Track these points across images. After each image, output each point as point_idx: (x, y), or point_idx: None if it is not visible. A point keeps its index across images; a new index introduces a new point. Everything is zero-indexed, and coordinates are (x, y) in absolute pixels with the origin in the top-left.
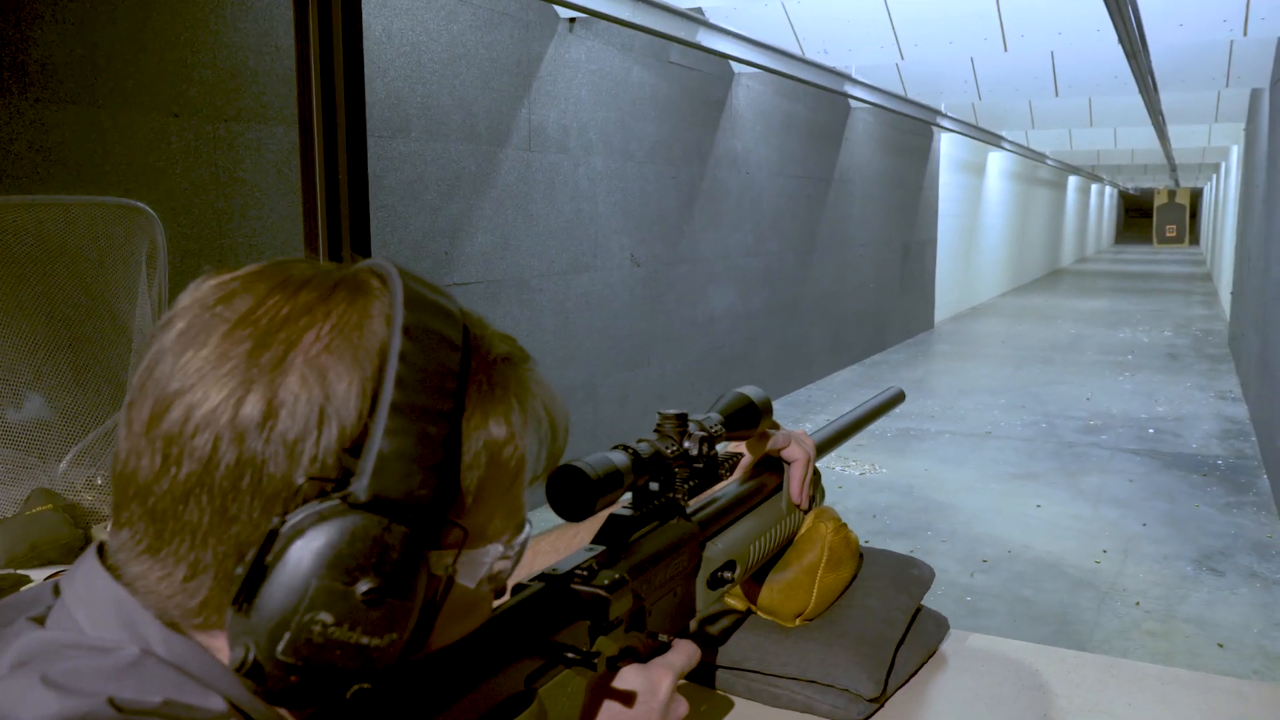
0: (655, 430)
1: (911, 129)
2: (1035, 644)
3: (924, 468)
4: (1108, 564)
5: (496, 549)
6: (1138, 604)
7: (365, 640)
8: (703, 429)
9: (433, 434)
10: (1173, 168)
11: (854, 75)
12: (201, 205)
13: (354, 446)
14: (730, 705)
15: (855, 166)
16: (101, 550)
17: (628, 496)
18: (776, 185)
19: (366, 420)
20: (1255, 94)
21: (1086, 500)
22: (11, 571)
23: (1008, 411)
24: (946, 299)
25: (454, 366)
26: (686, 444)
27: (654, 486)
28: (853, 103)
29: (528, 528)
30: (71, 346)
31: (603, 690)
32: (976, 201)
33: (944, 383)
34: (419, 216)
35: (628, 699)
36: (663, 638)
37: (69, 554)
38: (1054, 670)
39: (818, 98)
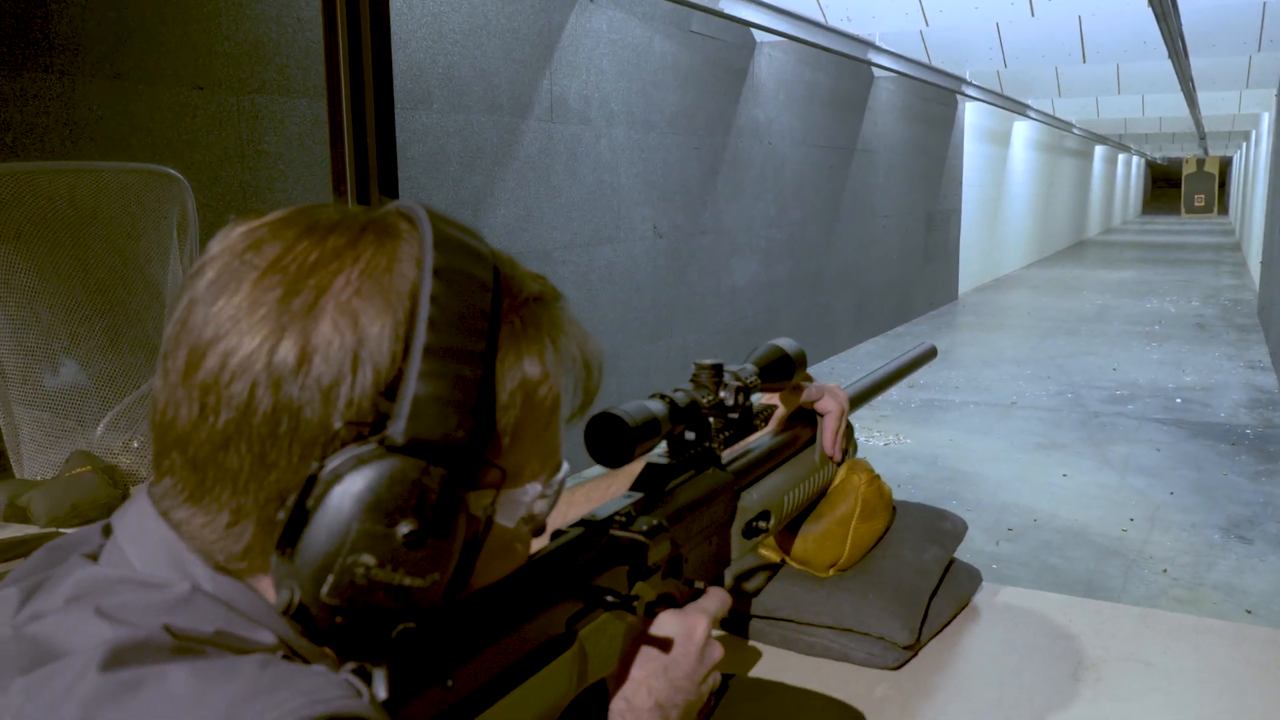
0: (691, 380)
1: (936, 97)
2: (1069, 596)
3: (949, 438)
4: (1135, 532)
5: (534, 488)
6: (1165, 571)
7: (407, 581)
8: (738, 379)
9: (467, 376)
10: (1201, 136)
11: (877, 43)
12: (227, 178)
13: (389, 390)
14: (760, 656)
15: (879, 136)
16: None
17: (663, 446)
18: (799, 155)
19: (400, 363)
20: None
21: (1113, 469)
22: (54, 530)
23: (1033, 382)
24: (971, 270)
25: (486, 307)
26: (722, 394)
27: (690, 436)
28: (876, 71)
29: (565, 467)
30: (106, 311)
31: (640, 636)
32: (1001, 171)
33: (968, 354)
34: (441, 188)
35: (665, 644)
36: (699, 585)
37: (109, 513)
38: (1087, 621)
39: (841, 66)
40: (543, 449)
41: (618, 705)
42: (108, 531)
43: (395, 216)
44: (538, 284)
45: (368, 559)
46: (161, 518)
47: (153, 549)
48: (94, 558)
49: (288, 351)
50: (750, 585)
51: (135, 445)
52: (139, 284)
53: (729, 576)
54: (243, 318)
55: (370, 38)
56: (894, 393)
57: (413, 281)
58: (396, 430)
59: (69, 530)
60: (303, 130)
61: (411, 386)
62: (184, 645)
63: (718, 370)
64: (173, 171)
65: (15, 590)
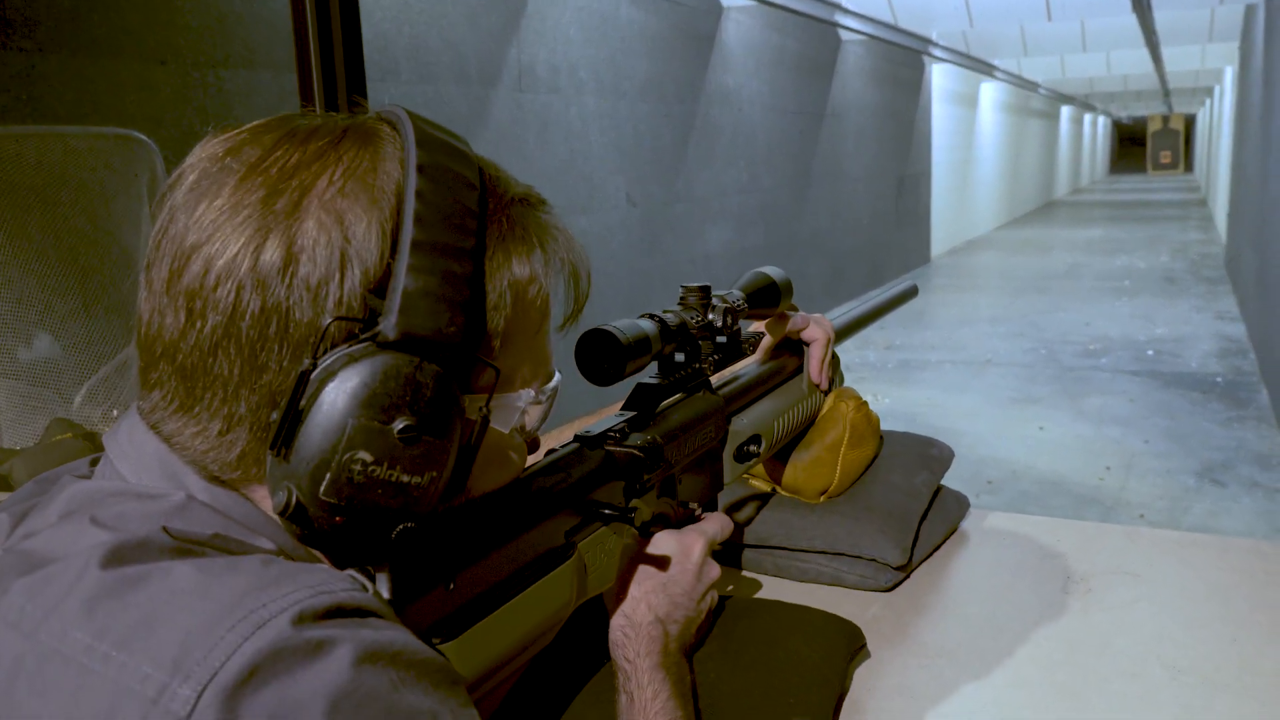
0: (679, 302)
1: (903, 60)
2: (1055, 518)
3: (926, 396)
4: (1111, 480)
5: (527, 394)
6: (1142, 516)
7: (405, 478)
8: (725, 302)
9: (457, 271)
10: (1166, 92)
11: (843, 4)
12: None
13: (378, 288)
14: (758, 586)
15: (847, 100)
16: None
17: (653, 367)
18: (769, 121)
19: (389, 260)
20: (1250, 10)
21: (1088, 421)
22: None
23: (1007, 339)
24: (942, 233)
25: (472, 205)
26: (710, 316)
27: (679, 358)
28: (843, 34)
29: (557, 376)
30: (79, 278)
31: (638, 554)
32: (970, 134)
33: (943, 314)
34: None
35: (662, 562)
36: (693, 507)
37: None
38: (1074, 540)
39: (808, 30)
40: (534, 354)
41: (618, 622)
42: (95, 463)
43: (376, 121)
44: (522, 187)
45: (365, 455)
46: (151, 431)
47: (145, 462)
48: (85, 479)
49: (273, 252)
50: (741, 515)
51: (115, 414)
52: (112, 250)
53: (720, 504)
54: (225, 221)
55: (339, 8)
56: (871, 353)
57: (397, 180)
58: (388, 326)
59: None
60: (269, 104)
61: (401, 282)
62: (184, 546)
63: (705, 292)
64: (141, 135)
65: (5, 516)
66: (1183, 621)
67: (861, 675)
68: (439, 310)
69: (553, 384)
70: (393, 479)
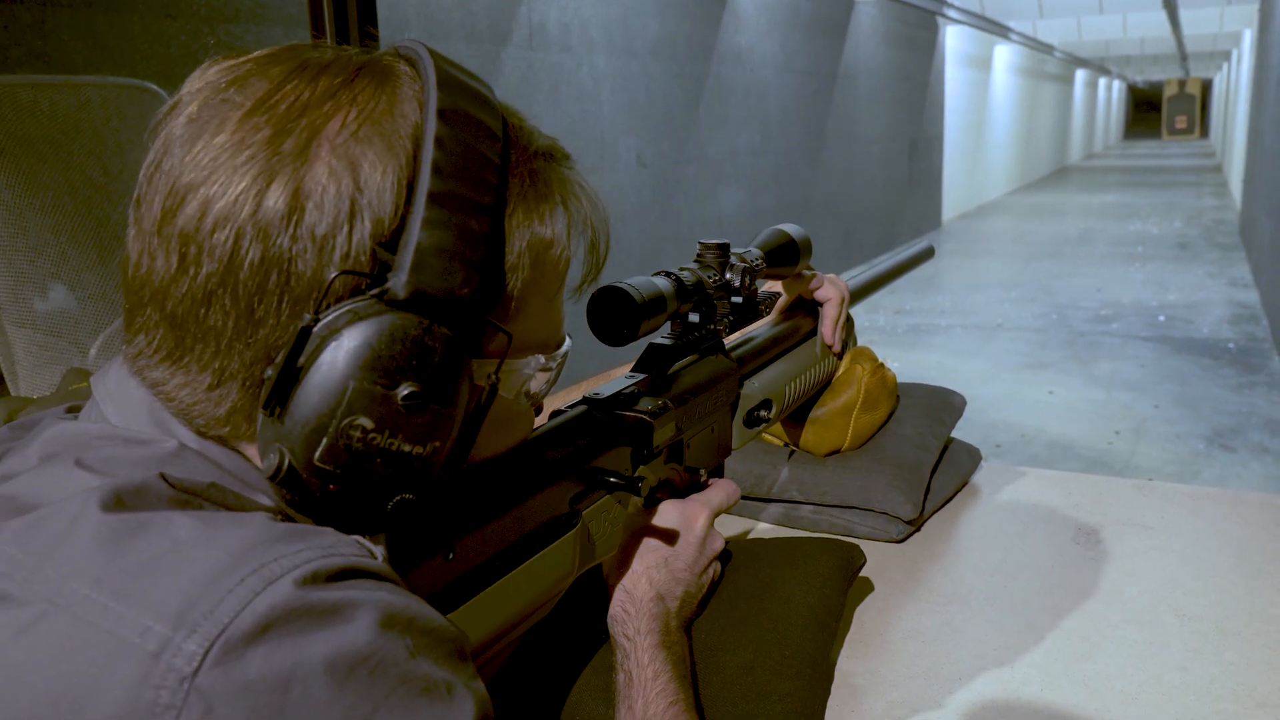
0: (696, 260)
1: (916, 21)
2: (1065, 471)
3: (936, 360)
4: (1121, 444)
5: (538, 360)
6: (1151, 480)
7: (406, 448)
8: (744, 261)
9: (474, 229)
10: (1183, 56)
11: None
12: None
13: (390, 241)
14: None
15: (860, 61)
16: None
17: (667, 326)
18: (782, 82)
19: (403, 212)
20: None
21: (1099, 386)
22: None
23: (1019, 304)
24: (954, 197)
25: (494, 157)
26: (728, 275)
27: (694, 318)
28: None
29: (568, 342)
30: (94, 228)
31: (641, 525)
32: (983, 97)
33: (954, 279)
34: None
35: (666, 535)
36: (701, 473)
37: None
38: (1085, 493)
39: None
40: (548, 318)
41: (618, 596)
42: (76, 411)
43: (393, 58)
44: (547, 140)
45: (365, 422)
46: (135, 378)
47: (134, 408)
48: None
49: (277, 197)
50: (753, 469)
51: None
52: (126, 199)
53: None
54: (226, 160)
55: None
56: (881, 317)
57: (415, 123)
58: (398, 283)
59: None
60: None
61: (414, 236)
62: (183, 498)
63: (723, 250)
64: (154, 86)
65: None
66: (1194, 571)
67: (872, 619)
68: (453, 269)
69: (563, 350)
70: (393, 448)
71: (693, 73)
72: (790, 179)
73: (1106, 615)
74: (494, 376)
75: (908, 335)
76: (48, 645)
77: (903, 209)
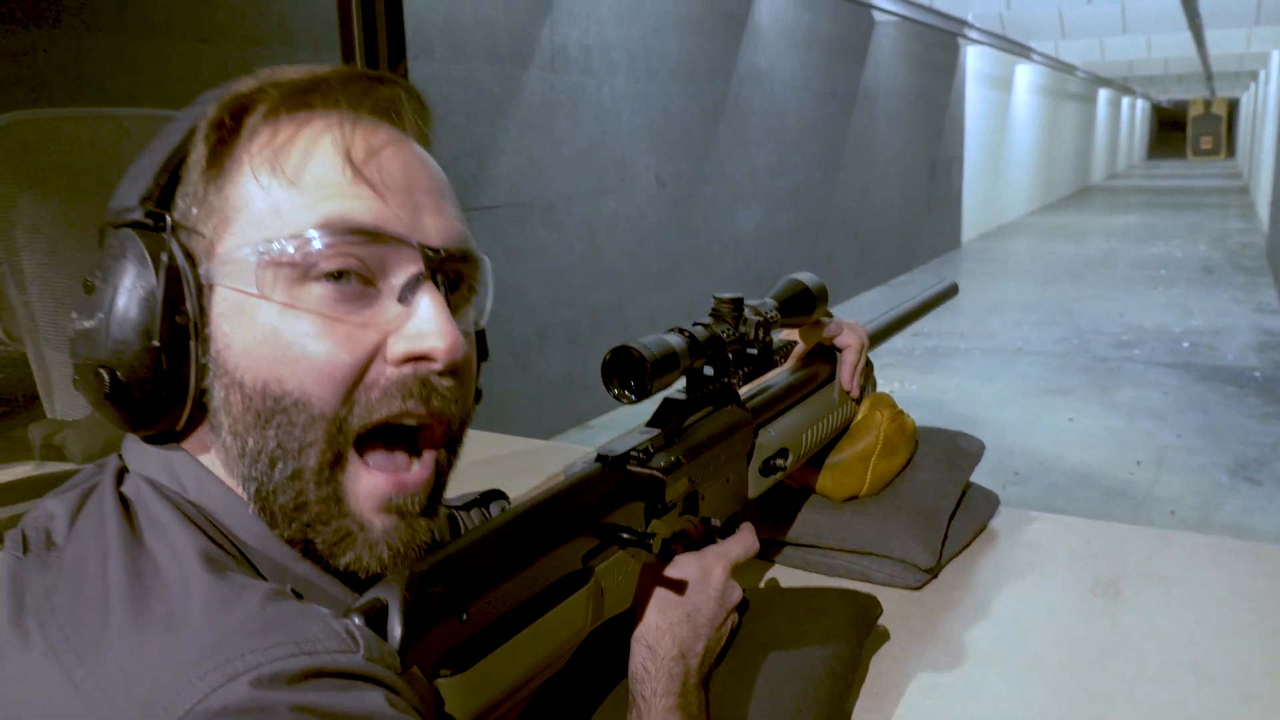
0: (711, 314)
1: (937, 42)
2: (1085, 519)
3: (954, 384)
4: (1142, 474)
5: (254, 247)
6: (1172, 513)
7: (85, 324)
8: (758, 314)
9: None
10: (1209, 76)
11: None
12: None
13: None
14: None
15: (880, 82)
16: None
17: (681, 381)
18: (801, 102)
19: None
20: None
21: (1120, 413)
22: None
23: (1038, 328)
24: (974, 217)
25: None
26: (742, 329)
27: (709, 372)
28: (876, 15)
29: (313, 235)
30: None
31: (657, 576)
32: (1004, 117)
33: (973, 301)
34: (446, 139)
35: (680, 586)
36: (715, 522)
37: None
38: (1105, 541)
39: (841, 11)
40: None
41: (640, 653)
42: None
43: None
44: None
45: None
46: None
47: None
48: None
49: None
50: (771, 513)
51: None
52: None
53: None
54: None
55: None
56: (899, 340)
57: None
58: None
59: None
60: None
61: None
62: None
63: (737, 304)
64: None
65: (72, 495)
66: (1214, 628)
67: (889, 668)
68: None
69: (300, 238)
70: (76, 327)
71: (712, 93)
72: (808, 199)
73: (1124, 673)
74: (170, 260)
75: (926, 358)
76: (30, 689)
77: (921, 229)
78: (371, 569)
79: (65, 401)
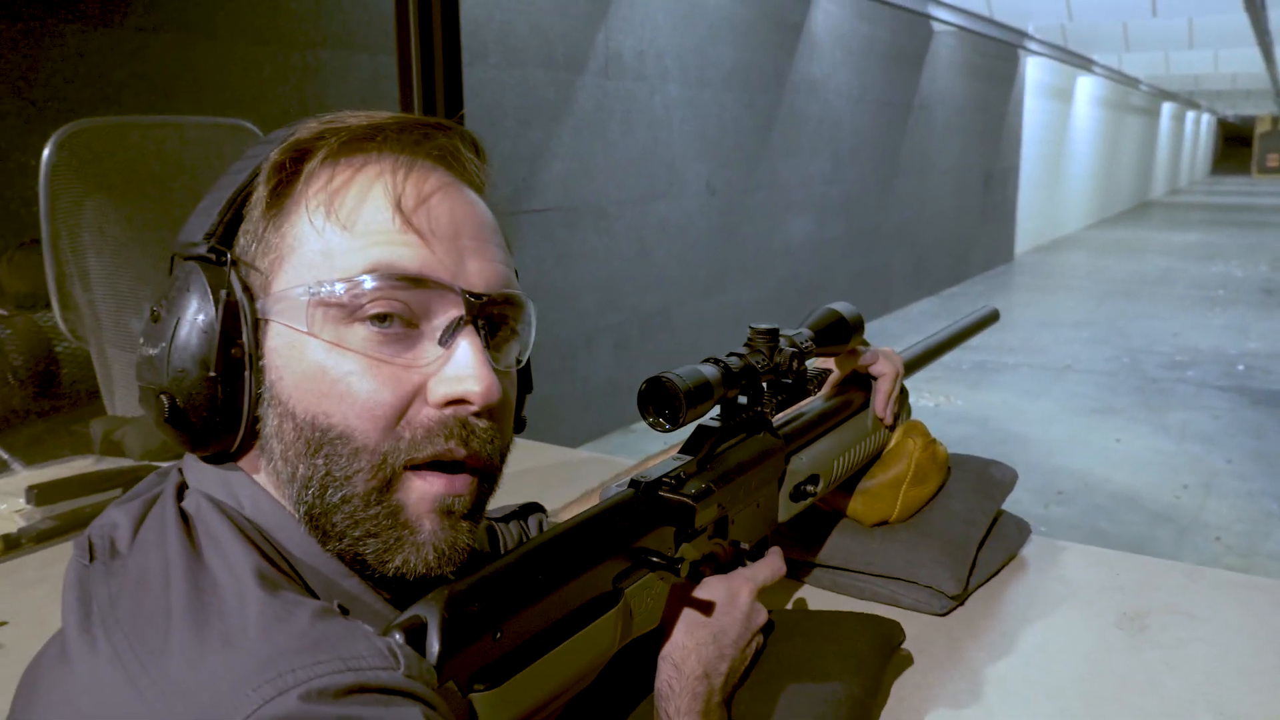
0: (746, 344)
1: (997, 52)
2: (1116, 550)
3: (1000, 400)
4: (1189, 499)
5: (307, 289)
6: (1218, 539)
7: (150, 351)
8: (793, 344)
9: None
10: (1278, 92)
11: None
12: None
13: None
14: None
15: (937, 92)
16: None
17: (716, 408)
18: (856, 111)
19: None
20: None
21: (1169, 435)
22: (147, 464)
23: (1090, 345)
24: (1028, 230)
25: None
26: (776, 359)
27: (742, 400)
28: (935, 25)
29: (366, 279)
30: None
31: (685, 597)
32: (1063, 129)
33: (1023, 315)
34: (499, 143)
35: (708, 608)
36: (744, 545)
37: None
38: (1134, 575)
39: (898, 20)
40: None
41: (666, 671)
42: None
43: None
44: None
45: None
46: None
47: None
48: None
49: None
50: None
51: None
52: None
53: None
54: None
55: None
56: (947, 355)
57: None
58: None
59: (163, 464)
60: (363, 85)
61: None
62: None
63: (772, 335)
64: (250, 124)
65: (137, 504)
66: (1236, 666)
67: (910, 694)
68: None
69: (351, 279)
70: (143, 354)
71: (765, 101)
72: (861, 208)
73: (1143, 708)
74: (229, 295)
75: (973, 372)
76: (97, 693)
77: (975, 240)
78: (418, 571)
79: (125, 399)
